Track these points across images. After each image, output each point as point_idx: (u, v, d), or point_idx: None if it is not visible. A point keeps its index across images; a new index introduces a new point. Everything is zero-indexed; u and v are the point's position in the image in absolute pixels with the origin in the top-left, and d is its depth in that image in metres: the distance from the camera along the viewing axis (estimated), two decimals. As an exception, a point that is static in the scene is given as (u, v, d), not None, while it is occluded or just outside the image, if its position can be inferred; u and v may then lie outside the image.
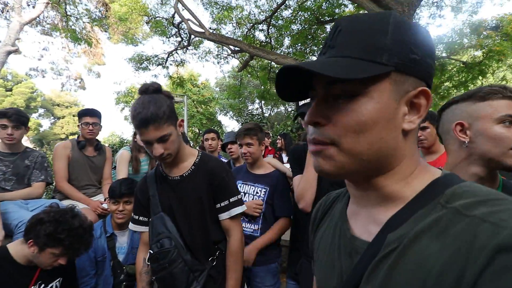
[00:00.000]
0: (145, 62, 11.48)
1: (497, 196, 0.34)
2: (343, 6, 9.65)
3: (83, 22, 10.49)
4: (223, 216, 1.21)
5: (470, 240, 0.30)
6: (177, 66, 12.42)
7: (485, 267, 0.28)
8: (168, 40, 11.31)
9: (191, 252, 1.17)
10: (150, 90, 1.09)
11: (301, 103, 1.46)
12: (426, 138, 1.91)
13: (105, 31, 12.19)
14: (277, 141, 4.36)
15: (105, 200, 2.39)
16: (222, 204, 1.21)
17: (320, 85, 0.40)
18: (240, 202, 1.23)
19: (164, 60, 11.48)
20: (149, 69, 11.79)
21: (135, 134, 2.66)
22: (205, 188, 1.19)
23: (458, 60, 9.03)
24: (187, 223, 1.19)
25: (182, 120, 1.17)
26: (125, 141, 15.87)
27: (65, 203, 2.15)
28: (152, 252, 1.15)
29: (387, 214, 0.40)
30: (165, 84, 18.45)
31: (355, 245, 0.42)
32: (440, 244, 0.32)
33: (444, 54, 8.99)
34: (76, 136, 2.55)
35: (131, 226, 1.30)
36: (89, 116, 2.37)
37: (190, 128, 15.81)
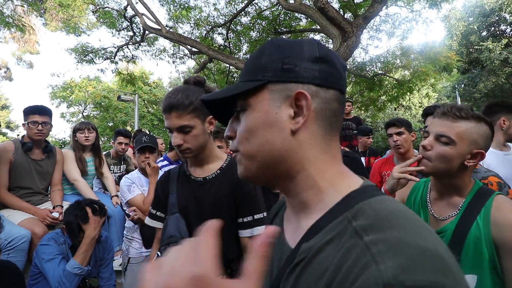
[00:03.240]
0: (90, 55, 10.43)
1: (391, 219, 0.34)
2: (298, 19, 10.23)
3: (14, 4, 9.08)
4: (244, 233, 1.10)
5: (353, 265, 0.32)
6: (128, 62, 11.58)
7: None
8: (118, 34, 10.48)
9: None
10: (191, 81, 1.08)
11: None
12: (402, 144, 2.09)
13: (41, 16, 10.74)
14: None
15: (54, 208, 2.14)
16: (245, 220, 1.10)
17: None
18: (264, 221, 1.11)
19: (113, 54, 10.59)
20: (95, 63, 10.74)
21: (74, 132, 2.47)
22: (227, 197, 1.10)
23: (392, 77, 10.36)
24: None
25: (213, 118, 1.07)
26: (61, 142, 14.10)
27: (4, 213, 1.87)
28: (160, 255, 1.09)
29: (308, 222, 0.42)
30: (111, 81, 17.00)
31: (284, 251, 0.46)
32: (336, 252, 0.35)
33: (380, 72, 10.24)
34: (20, 137, 2.23)
35: (147, 220, 1.23)
36: (38, 114, 2.10)
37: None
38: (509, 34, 16.68)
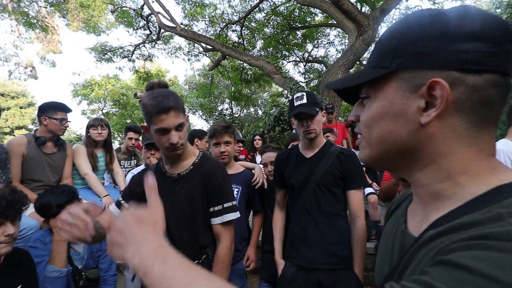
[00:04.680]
0: (109, 53, 10.76)
1: None
2: (313, 14, 10.02)
3: (38, 6, 9.50)
4: (215, 221, 1.19)
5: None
6: (144, 60, 11.84)
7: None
8: (135, 32, 10.74)
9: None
10: (160, 85, 1.15)
11: (296, 103, 1.48)
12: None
13: (63, 17, 11.18)
14: (255, 141, 4.21)
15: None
16: (216, 209, 1.19)
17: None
18: (234, 209, 1.22)
19: (130, 53, 10.86)
20: (113, 61, 11.08)
21: (87, 128, 2.53)
22: (200, 190, 1.18)
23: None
24: (176, 223, 1.18)
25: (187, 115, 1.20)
26: (82, 138, 14.71)
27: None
28: None
29: (438, 214, 0.39)
30: (129, 79, 17.47)
31: (405, 240, 0.45)
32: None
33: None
34: (32, 131, 2.31)
35: (112, 207, 1.27)
36: (65, 111, 2.25)
37: (156, 126, 15.14)
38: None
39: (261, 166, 2.08)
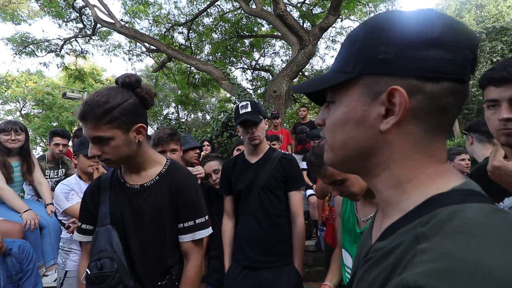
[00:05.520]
0: (31, 46, 9.35)
1: (462, 229, 0.29)
2: (260, 24, 10.41)
3: None
4: (185, 238, 1.06)
5: (397, 272, 0.31)
6: (76, 56, 10.62)
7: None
8: (66, 25, 9.58)
9: (136, 276, 1.02)
10: (119, 82, 0.96)
11: (241, 111, 1.52)
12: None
13: (-31, -2, 9.36)
14: (204, 147, 4.09)
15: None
16: (186, 225, 1.06)
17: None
18: (206, 225, 1.09)
19: (59, 47, 9.63)
20: (36, 55, 9.66)
21: None
22: (167, 204, 1.04)
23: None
24: (140, 242, 1.03)
25: (142, 127, 0.98)
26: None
27: None
28: (89, 272, 0.97)
29: (387, 222, 0.40)
30: (56, 76, 15.41)
31: (367, 247, 0.46)
32: (395, 259, 0.33)
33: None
34: None
35: (76, 235, 1.12)
36: None
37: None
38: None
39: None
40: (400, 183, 0.39)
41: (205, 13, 9.70)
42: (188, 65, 9.22)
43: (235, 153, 2.71)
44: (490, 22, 12.12)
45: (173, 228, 1.06)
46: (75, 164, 2.59)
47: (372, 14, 9.72)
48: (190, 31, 10.08)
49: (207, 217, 1.11)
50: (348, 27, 11.72)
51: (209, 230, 1.11)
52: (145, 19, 10.24)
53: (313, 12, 9.66)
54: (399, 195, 0.39)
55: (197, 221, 1.07)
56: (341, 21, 10.97)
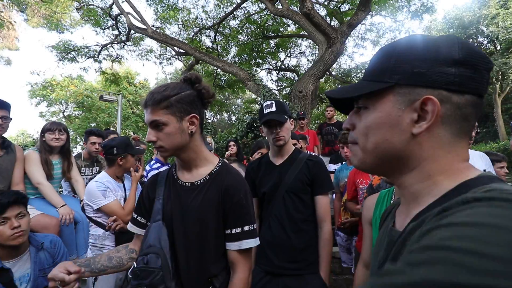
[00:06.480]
0: (72, 53, 10.12)
1: (486, 205, 0.32)
2: (286, 25, 10.32)
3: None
4: (232, 246, 0.99)
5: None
6: (112, 61, 11.31)
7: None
8: (103, 32, 10.24)
9: (178, 279, 0.98)
10: (182, 78, 1.03)
11: (266, 111, 1.48)
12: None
13: (22, 12, 10.35)
14: (230, 147, 4.13)
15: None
16: (233, 231, 0.99)
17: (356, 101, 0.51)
18: (254, 234, 1.02)
19: (97, 53, 10.32)
20: (77, 61, 10.43)
21: (43, 133, 2.30)
22: (215, 206, 1.00)
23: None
24: (184, 241, 1.00)
25: (196, 117, 1.00)
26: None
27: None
28: (136, 265, 0.97)
29: (418, 209, 0.45)
30: (95, 80, 16.52)
31: (392, 235, 0.49)
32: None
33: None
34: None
35: (129, 226, 1.12)
36: (1, 108, 1.94)
37: (123, 131, 14.45)
38: (486, 46, 17.45)
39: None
40: (431, 176, 0.44)
41: (231, 15, 9.83)
42: (215, 67, 9.39)
43: (256, 156, 2.62)
44: None
45: (219, 233, 1.01)
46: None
47: (405, 10, 9.19)
48: (217, 34, 10.27)
49: (255, 226, 1.03)
50: (379, 24, 11.20)
51: (256, 241, 1.02)
52: (175, 24, 10.63)
53: (341, 10, 9.36)
54: (430, 186, 0.45)
55: (245, 228, 1.00)
56: (371, 17, 10.52)
